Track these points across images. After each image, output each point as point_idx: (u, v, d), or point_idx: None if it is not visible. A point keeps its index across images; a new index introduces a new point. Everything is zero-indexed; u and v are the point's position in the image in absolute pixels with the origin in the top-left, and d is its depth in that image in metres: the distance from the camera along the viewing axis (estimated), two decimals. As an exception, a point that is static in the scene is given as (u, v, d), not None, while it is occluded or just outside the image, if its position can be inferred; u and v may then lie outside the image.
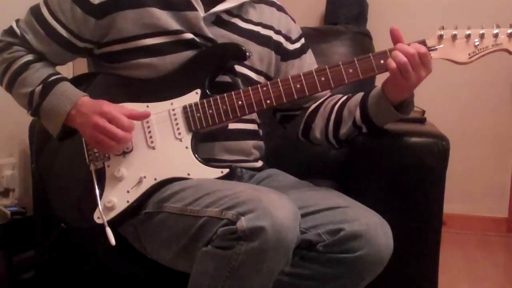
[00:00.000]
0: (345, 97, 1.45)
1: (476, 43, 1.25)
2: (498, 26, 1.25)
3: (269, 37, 1.46)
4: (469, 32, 1.25)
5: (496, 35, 1.25)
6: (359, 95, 1.41)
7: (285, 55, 1.48)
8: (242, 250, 1.07)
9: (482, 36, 1.25)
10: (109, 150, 1.27)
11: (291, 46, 1.50)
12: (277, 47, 1.47)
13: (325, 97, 1.50)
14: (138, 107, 1.30)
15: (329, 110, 1.45)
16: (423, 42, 1.26)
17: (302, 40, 1.53)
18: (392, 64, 1.25)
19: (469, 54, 1.26)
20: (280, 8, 1.52)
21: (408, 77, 1.25)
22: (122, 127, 1.24)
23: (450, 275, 2.25)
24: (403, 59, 1.24)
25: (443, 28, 1.26)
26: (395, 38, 1.28)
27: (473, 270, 2.41)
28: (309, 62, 1.52)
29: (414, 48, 1.24)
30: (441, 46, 1.26)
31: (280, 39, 1.48)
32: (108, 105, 1.26)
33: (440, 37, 1.26)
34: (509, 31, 1.24)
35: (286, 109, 1.50)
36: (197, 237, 1.15)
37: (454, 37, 1.26)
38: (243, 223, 1.07)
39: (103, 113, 1.24)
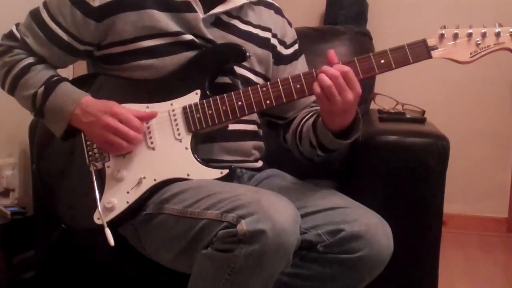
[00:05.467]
0: (311, 112, 1.43)
1: (478, 42, 1.23)
2: (500, 25, 1.23)
3: (268, 39, 1.45)
4: (471, 31, 1.23)
5: (498, 34, 1.23)
6: (317, 114, 1.36)
7: (278, 59, 1.48)
8: (242, 253, 1.07)
9: (484, 35, 1.23)
10: (119, 150, 1.27)
11: (284, 51, 1.49)
12: (273, 50, 1.47)
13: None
14: (138, 108, 1.30)
15: (298, 122, 1.44)
16: (423, 42, 1.25)
17: (296, 46, 1.52)
18: (317, 88, 1.21)
19: (470, 53, 1.24)
20: (278, 11, 1.51)
21: (334, 102, 1.20)
22: (134, 128, 1.25)
23: (450, 275, 2.25)
24: (328, 82, 1.19)
25: (444, 27, 1.24)
26: (329, 60, 1.24)
27: (473, 270, 2.41)
28: (299, 69, 1.49)
29: (338, 69, 1.20)
30: (442, 45, 1.25)
31: (275, 42, 1.47)
32: (118, 106, 1.27)
33: (441, 36, 1.24)
34: (511, 29, 1.23)
35: (271, 115, 1.49)
36: (197, 239, 1.15)
37: (455, 36, 1.24)
38: (243, 226, 1.07)
39: (115, 113, 1.25)
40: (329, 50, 1.25)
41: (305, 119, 1.42)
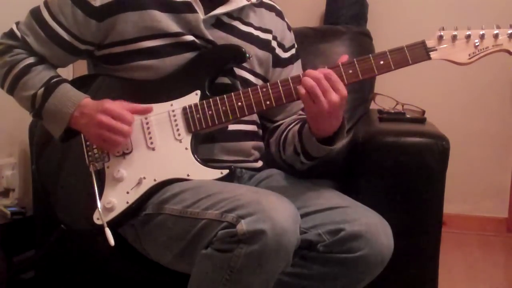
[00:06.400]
0: (297, 120, 1.43)
1: (476, 44, 1.24)
2: (498, 27, 1.24)
3: (269, 41, 1.46)
4: (469, 32, 1.25)
5: (496, 36, 1.24)
6: (304, 121, 1.37)
7: (275, 62, 1.48)
8: (242, 253, 1.07)
9: (482, 37, 1.24)
10: (116, 147, 1.27)
11: (282, 54, 1.49)
12: (273, 52, 1.47)
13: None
14: (138, 108, 1.31)
15: (283, 129, 1.44)
16: (422, 43, 1.26)
17: (293, 51, 1.53)
18: (301, 90, 1.22)
19: (469, 55, 1.25)
20: (278, 14, 1.51)
21: (319, 102, 1.20)
22: (127, 122, 1.25)
23: (450, 275, 2.25)
24: (310, 82, 1.20)
25: (443, 28, 1.26)
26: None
27: (473, 270, 2.41)
28: (294, 73, 1.49)
29: (321, 72, 1.21)
30: (441, 46, 1.26)
31: (275, 44, 1.47)
32: (110, 103, 1.27)
33: (440, 37, 1.25)
34: (509, 31, 1.24)
35: (263, 117, 1.49)
36: (197, 239, 1.15)
37: (454, 37, 1.25)
38: (243, 226, 1.07)
39: (106, 110, 1.25)
40: (343, 55, 1.26)
41: (291, 126, 1.43)
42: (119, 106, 1.26)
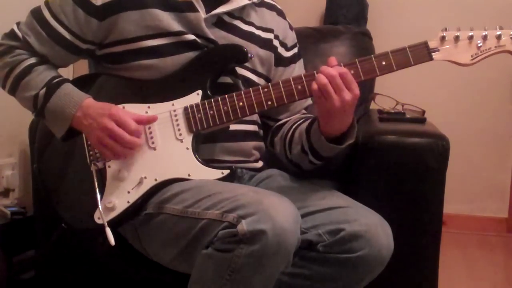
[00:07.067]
0: (303, 118, 1.44)
1: (479, 45, 1.24)
2: (501, 28, 1.24)
3: (270, 40, 1.46)
4: (472, 33, 1.24)
5: (499, 37, 1.24)
6: (312, 119, 1.37)
7: (278, 61, 1.48)
8: (243, 253, 1.07)
9: (485, 38, 1.24)
10: (114, 154, 1.26)
11: (285, 53, 1.50)
12: (275, 51, 1.47)
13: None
14: (139, 108, 1.31)
15: (289, 127, 1.44)
16: (425, 44, 1.26)
17: (295, 50, 1.53)
18: (314, 85, 1.22)
19: (471, 56, 1.25)
20: (280, 13, 1.52)
21: (331, 100, 1.20)
22: (130, 132, 1.24)
23: (450, 275, 2.25)
24: (324, 80, 1.21)
25: (445, 29, 1.25)
26: (328, 64, 1.25)
27: (473, 270, 2.41)
28: (297, 72, 1.50)
29: (336, 70, 1.22)
30: (444, 47, 1.26)
31: (277, 44, 1.48)
32: (116, 109, 1.27)
33: (443, 38, 1.25)
34: (511, 32, 1.24)
35: (264, 116, 1.49)
36: (197, 239, 1.15)
37: (456, 38, 1.25)
38: (243, 226, 1.07)
39: (112, 115, 1.25)
40: (330, 57, 1.26)
41: (297, 124, 1.43)
42: (126, 114, 1.26)
